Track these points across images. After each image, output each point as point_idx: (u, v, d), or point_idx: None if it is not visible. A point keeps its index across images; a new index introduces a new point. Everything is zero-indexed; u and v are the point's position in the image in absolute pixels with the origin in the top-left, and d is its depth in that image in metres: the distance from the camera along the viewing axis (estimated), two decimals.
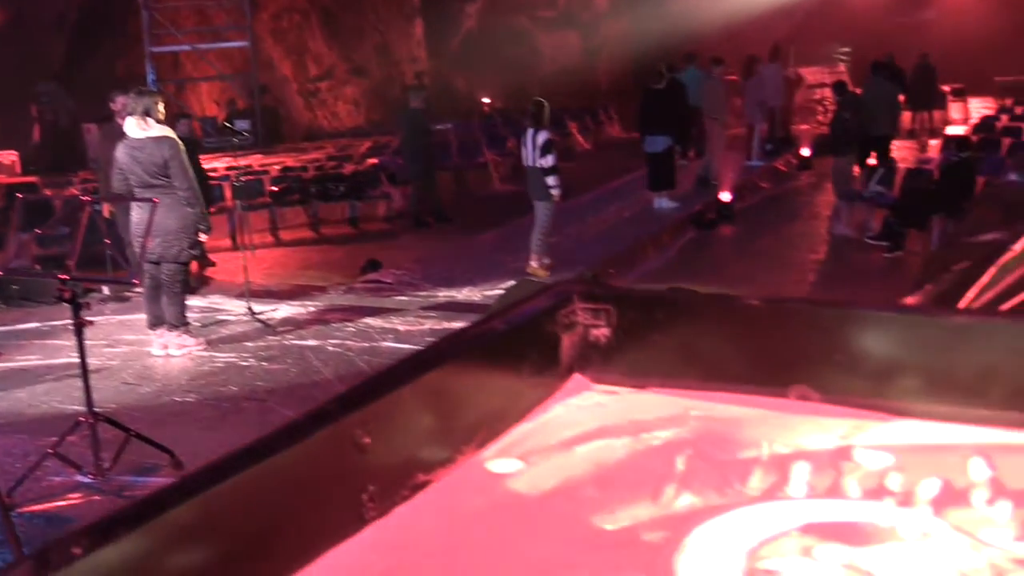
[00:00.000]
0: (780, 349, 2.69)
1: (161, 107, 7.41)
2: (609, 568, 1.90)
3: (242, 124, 14.72)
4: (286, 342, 8.34)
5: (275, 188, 12.49)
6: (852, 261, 11.18)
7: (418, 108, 12.09)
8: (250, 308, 8.98)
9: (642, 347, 2.85)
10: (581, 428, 2.57)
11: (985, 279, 6.93)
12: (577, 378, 2.86)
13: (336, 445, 2.05)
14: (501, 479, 2.33)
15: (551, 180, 9.21)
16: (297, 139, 17.14)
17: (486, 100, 18.13)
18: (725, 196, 12.20)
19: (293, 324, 8.75)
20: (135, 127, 7.29)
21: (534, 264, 9.63)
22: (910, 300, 7.04)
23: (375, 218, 12.90)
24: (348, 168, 13.53)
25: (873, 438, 2.43)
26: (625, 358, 2.85)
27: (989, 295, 6.94)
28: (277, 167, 13.69)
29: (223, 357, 8.05)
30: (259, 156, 14.70)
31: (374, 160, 13.96)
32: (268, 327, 8.74)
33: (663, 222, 12.09)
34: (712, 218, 12.06)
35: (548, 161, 9.16)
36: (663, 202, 12.33)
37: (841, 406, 2.57)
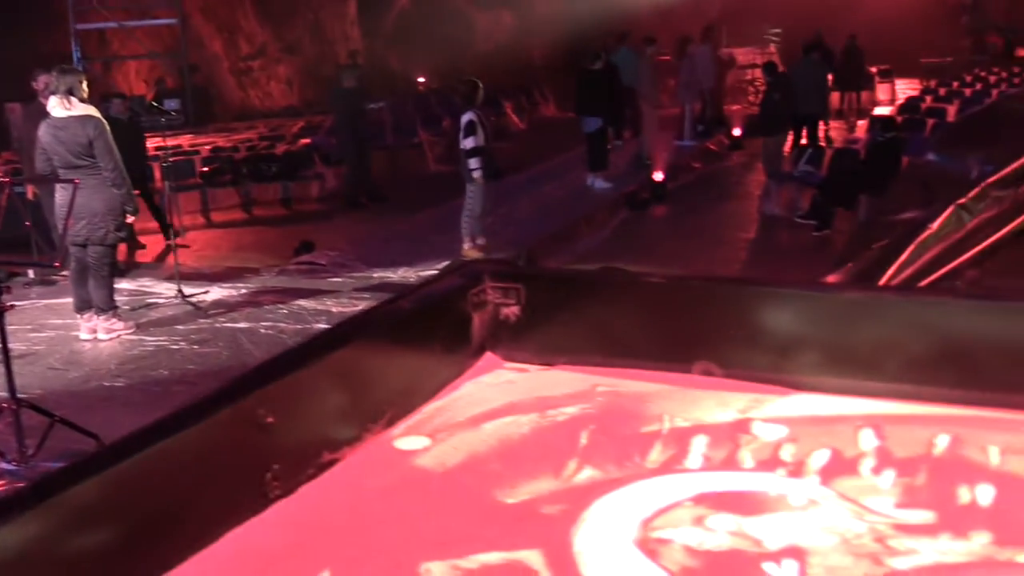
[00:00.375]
0: (685, 326, 2.77)
1: (85, 86, 7.25)
2: (507, 540, 1.95)
3: (171, 104, 14.45)
4: (217, 325, 8.22)
5: (206, 169, 12.29)
6: (781, 239, 11.34)
7: (352, 87, 11.97)
8: (180, 291, 8.83)
9: (552, 325, 2.90)
10: (489, 405, 2.62)
11: (904, 256, 7.10)
12: (489, 356, 2.91)
13: (237, 425, 2.07)
14: (408, 456, 2.37)
15: (472, 162, 9.17)
16: (228, 119, 16.85)
17: (421, 79, 18.03)
18: (658, 176, 12.28)
19: (225, 307, 8.62)
20: (58, 106, 7.12)
21: (467, 246, 9.61)
22: (832, 278, 7.18)
23: (309, 199, 12.75)
24: (281, 148, 13.36)
25: (771, 411, 2.52)
26: (535, 336, 2.90)
27: (908, 272, 7.12)
28: (208, 147, 13.47)
29: (153, 341, 7.92)
30: (189, 136, 14.44)
31: (307, 140, 13.81)
32: (199, 310, 8.60)
33: (597, 202, 12.14)
34: (645, 198, 12.13)
35: (469, 143, 9.13)
36: (598, 182, 12.39)
37: (742, 381, 2.66)
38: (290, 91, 17.95)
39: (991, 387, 2.45)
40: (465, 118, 9.14)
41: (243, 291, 9.09)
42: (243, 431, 2.06)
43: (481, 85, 9.49)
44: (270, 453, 2.10)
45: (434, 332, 2.72)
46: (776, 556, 1.87)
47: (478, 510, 2.09)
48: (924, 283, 6.92)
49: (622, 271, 2.77)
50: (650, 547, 1.92)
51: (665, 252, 10.70)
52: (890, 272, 7.17)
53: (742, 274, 9.76)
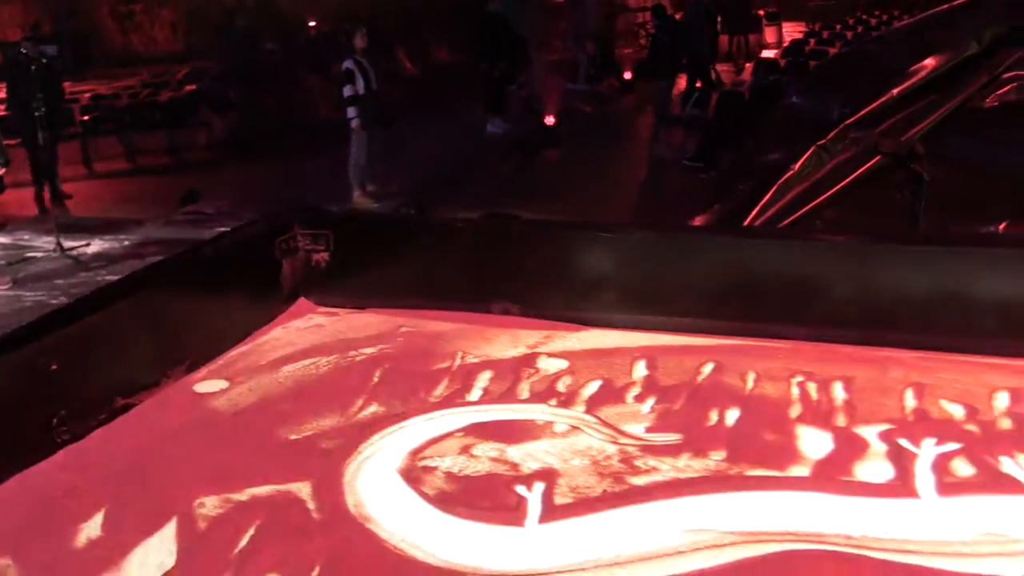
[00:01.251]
0: (487, 267, 2.91)
1: None
2: (282, 474, 2.07)
3: (48, 50, 13.93)
4: (99, 278, 8.08)
5: (86, 117, 11.96)
6: (669, 182, 11.50)
7: (243, 29, 11.74)
8: (60, 244, 8.66)
9: (364, 270, 3.01)
10: (293, 348, 2.72)
11: (767, 197, 7.32)
12: (302, 302, 3.01)
13: (19, 372, 2.13)
14: (203, 399, 2.46)
15: (349, 111, 9.13)
16: (109, 65, 16.30)
17: (312, 22, 17.68)
18: (549, 120, 12.36)
19: (107, 259, 8.48)
20: None
21: (356, 193, 9.59)
22: (699, 219, 7.37)
23: (196, 147, 12.52)
24: (165, 95, 13.05)
25: (558, 346, 2.68)
26: (348, 281, 3.01)
27: (771, 212, 7.36)
28: (88, 95, 13.08)
29: (31, 296, 7.77)
30: (67, 84, 13.97)
31: (193, 86, 13.50)
32: (80, 263, 8.44)
33: (491, 147, 12.19)
34: (536, 142, 12.21)
35: (346, 91, 9.08)
36: (493, 125, 12.43)
37: (538, 319, 2.81)
38: (175, 36, 17.44)
39: (760, 318, 2.65)
40: (343, 66, 9.08)
41: (126, 243, 8.95)
42: (25, 378, 2.12)
43: (363, 30, 9.39)
44: (56, 399, 2.17)
45: (241, 279, 2.79)
46: (528, 479, 2.02)
47: (261, 447, 2.20)
48: (785, 223, 7.15)
49: (427, 217, 2.88)
50: (414, 475, 2.06)
51: (556, 196, 10.80)
52: (754, 212, 7.38)
53: (631, 218, 9.97)
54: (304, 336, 2.79)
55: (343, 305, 2.96)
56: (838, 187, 7.50)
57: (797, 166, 7.59)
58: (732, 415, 2.26)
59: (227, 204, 10.20)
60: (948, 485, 1.96)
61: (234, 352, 2.69)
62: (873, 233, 3.15)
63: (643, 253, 2.81)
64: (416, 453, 2.14)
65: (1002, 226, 5.23)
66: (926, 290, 2.60)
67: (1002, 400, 2.28)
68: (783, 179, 7.60)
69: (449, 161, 11.73)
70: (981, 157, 7.16)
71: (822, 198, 7.46)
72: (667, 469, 2.05)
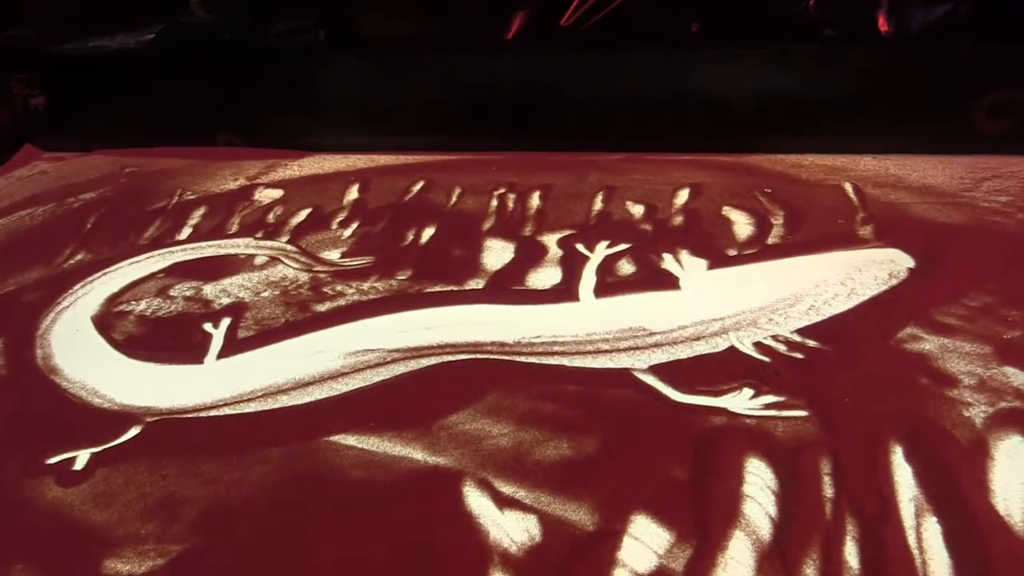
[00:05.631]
0: (209, 99, 2.88)
1: None
2: None
3: None
4: None
5: None
6: None
7: None
8: None
9: (88, 112, 2.96)
10: (11, 200, 2.70)
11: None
12: (28, 148, 2.96)
13: None
14: None
15: None
16: None
17: None
18: None
19: None
20: None
21: None
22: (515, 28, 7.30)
23: None
24: None
25: (278, 176, 2.71)
26: (73, 124, 2.96)
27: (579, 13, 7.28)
28: None
29: None
30: None
31: None
32: None
33: None
34: None
35: None
36: None
37: (264, 148, 2.82)
38: None
39: (477, 133, 2.72)
40: None
41: None
42: None
43: None
44: None
45: None
46: (218, 315, 2.10)
47: None
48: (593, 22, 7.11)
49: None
50: (107, 321, 2.12)
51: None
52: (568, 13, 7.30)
53: None
54: (26, 186, 2.76)
55: (68, 149, 2.92)
56: None
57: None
58: (427, 233, 2.36)
59: None
60: (607, 286, 2.11)
61: None
62: (580, 39, 3.19)
63: (363, 75, 2.82)
64: (114, 299, 2.20)
65: None
66: (635, 92, 2.69)
67: (682, 197, 2.42)
68: None
69: None
70: None
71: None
72: (352, 293, 2.15)
